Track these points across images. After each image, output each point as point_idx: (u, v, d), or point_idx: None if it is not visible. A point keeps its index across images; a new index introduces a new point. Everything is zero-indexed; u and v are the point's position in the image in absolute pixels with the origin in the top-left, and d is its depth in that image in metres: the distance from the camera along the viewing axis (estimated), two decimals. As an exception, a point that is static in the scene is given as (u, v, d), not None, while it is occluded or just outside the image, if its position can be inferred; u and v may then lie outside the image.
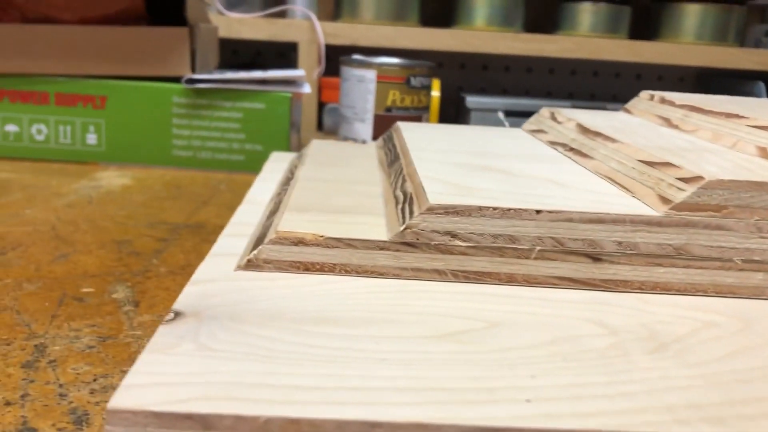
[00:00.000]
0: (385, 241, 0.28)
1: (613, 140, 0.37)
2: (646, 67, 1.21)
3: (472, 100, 1.00)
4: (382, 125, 0.75)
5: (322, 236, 0.28)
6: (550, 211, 0.27)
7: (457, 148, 0.41)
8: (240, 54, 1.19)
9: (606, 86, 1.23)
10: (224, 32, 0.97)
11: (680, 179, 0.28)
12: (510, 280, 0.28)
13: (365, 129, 0.75)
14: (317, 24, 0.96)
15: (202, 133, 0.64)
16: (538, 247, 0.28)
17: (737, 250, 0.28)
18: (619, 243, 0.27)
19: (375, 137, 0.75)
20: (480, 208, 0.27)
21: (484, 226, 0.27)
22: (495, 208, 0.27)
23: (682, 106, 0.45)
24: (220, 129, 0.64)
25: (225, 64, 1.16)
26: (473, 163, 0.36)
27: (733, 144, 0.36)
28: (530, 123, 0.52)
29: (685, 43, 1.05)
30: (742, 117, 0.37)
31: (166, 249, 0.40)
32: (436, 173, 0.33)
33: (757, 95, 1.04)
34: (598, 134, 0.39)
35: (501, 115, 0.97)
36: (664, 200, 0.28)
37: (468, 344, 0.22)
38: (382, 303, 0.25)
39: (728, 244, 0.28)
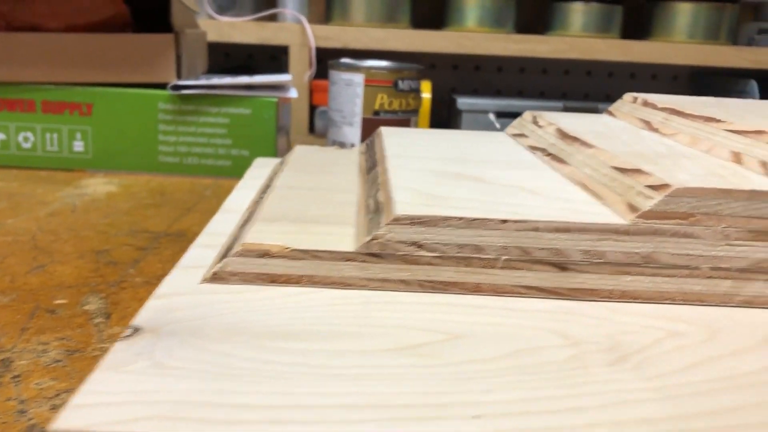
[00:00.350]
0: (351, 252, 0.27)
1: (589, 146, 0.37)
2: (640, 66, 1.21)
3: (463, 102, 1.00)
4: (371, 128, 0.75)
5: (287, 248, 0.27)
6: (515, 221, 0.27)
7: (436, 155, 0.41)
8: (232, 57, 1.19)
9: (599, 86, 1.22)
10: (215, 36, 0.97)
11: (649, 187, 0.28)
12: (477, 289, 0.28)
13: (353, 132, 0.75)
14: (308, 27, 0.96)
15: (188, 139, 0.64)
16: (504, 257, 0.27)
17: (705, 257, 0.28)
18: (586, 252, 0.27)
19: (364, 140, 0.75)
20: (445, 218, 0.27)
21: (449, 236, 0.27)
22: (460, 218, 0.27)
23: (663, 109, 0.45)
24: (207, 135, 0.64)
25: (217, 68, 1.16)
26: (449, 171, 0.36)
27: (708, 149, 0.36)
28: (513, 126, 0.52)
29: (678, 42, 1.04)
30: (720, 121, 0.37)
31: (144, 258, 0.40)
32: (409, 181, 0.33)
33: (750, 93, 1.04)
34: (575, 140, 0.39)
35: (492, 116, 0.97)
36: (633, 208, 0.28)
37: (426, 357, 0.22)
38: (345, 315, 0.25)
39: (696, 252, 0.27)
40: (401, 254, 0.27)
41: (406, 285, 0.28)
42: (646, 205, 0.27)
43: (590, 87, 1.23)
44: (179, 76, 0.64)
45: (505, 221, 0.27)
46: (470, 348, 0.23)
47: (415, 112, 0.78)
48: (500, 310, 0.27)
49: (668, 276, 0.28)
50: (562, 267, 0.28)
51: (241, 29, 0.97)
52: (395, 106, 0.75)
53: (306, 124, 0.99)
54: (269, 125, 0.64)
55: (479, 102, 1.00)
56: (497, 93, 1.21)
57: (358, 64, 0.75)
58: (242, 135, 0.64)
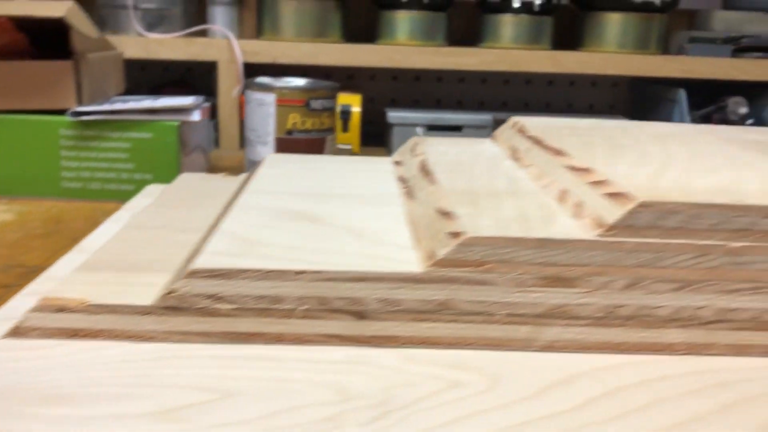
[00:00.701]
0: (149, 306, 0.28)
1: (433, 181, 0.38)
2: (578, 74, 1.22)
3: (393, 116, 1.01)
4: (284, 148, 0.75)
5: (85, 303, 0.28)
6: (311, 272, 0.27)
7: (298, 188, 0.41)
8: (171, 71, 1.18)
9: (539, 94, 1.23)
10: (143, 53, 0.97)
11: (450, 234, 0.29)
12: (279, 339, 0.28)
13: (267, 152, 0.75)
14: (235, 43, 0.96)
15: (91, 165, 0.64)
16: (303, 307, 0.28)
17: (501, 304, 0.28)
18: (383, 300, 0.28)
19: (278, 160, 0.75)
20: (242, 270, 0.27)
21: (247, 288, 0.27)
22: (257, 270, 0.27)
23: (529, 137, 0.45)
24: (109, 159, 0.64)
25: (151, 84, 1.16)
26: (294, 209, 0.36)
27: (546, 184, 0.36)
28: (398, 152, 0.53)
29: (608, 52, 1.05)
30: (563, 155, 0.38)
31: (1, 298, 0.40)
32: (238, 224, 0.33)
33: (679, 102, 1.05)
34: (428, 173, 0.40)
35: (419, 130, 0.97)
36: (431, 256, 0.28)
37: (182, 422, 0.22)
38: (128, 374, 0.25)
39: (491, 299, 0.28)
40: (199, 307, 0.28)
41: (207, 337, 0.28)
42: (440, 253, 0.28)
43: (529, 96, 1.23)
44: (80, 102, 0.64)
45: (301, 272, 0.27)
46: (233, 409, 0.23)
47: (331, 130, 0.78)
48: (294, 362, 0.27)
49: (466, 322, 0.28)
50: (360, 315, 0.28)
51: (169, 46, 0.97)
52: (308, 125, 0.75)
53: (236, 140, 0.99)
54: (171, 149, 0.64)
55: (409, 115, 1.00)
56: (437, 104, 1.22)
57: (270, 84, 0.75)
58: (144, 159, 0.64)
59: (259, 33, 1.04)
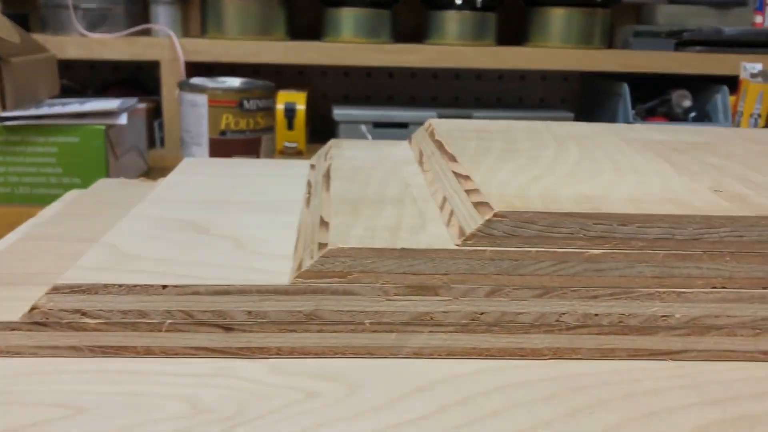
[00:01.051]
0: (16, 322, 0.28)
1: (327, 188, 0.38)
2: (524, 69, 1.23)
3: (339, 113, 1.01)
4: (218, 149, 0.75)
5: (-50, 320, 0.28)
6: (175, 286, 0.28)
7: (198, 196, 0.41)
8: (121, 70, 1.18)
9: (490, 89, 1.24)
10: (85, 54, 0.96)
11: (319, 244, 0.29)
12: (148, 352, 0.28)
13: (201, 153, 0.75)
14: (176, 41, 0.96)
15: (18, 169, 0.64)
16: (169, 321, 0.28)
17: (366, 313, 0.28)
18: (249, 312, 0.28)
19: (213, 161, 0.75)
20: (105, 285, 0.28)
21: (112, 304, 0.28)
22: (121, 285, 0.28)
23: (435, 141, 0.46)
24: (37, 164, 0.64)
25: (102, 82, 1.15)
26: (184, 219, 0.36)
27: (435, 191, 0.37)
28: (315, 156, 0.53)
29: (552, 47, 1.06)
30: (455, 161, 0.38)
31: None
32: (122, 236, 0.33)
33: (623, 96, 1.06)
34: (327, 179, 0.40)
35: (364, 128, 0.97)
36: (299, 267, 0.29)
37: (25, 440, 0.23)
38: (-15, 391, 0.25)
39: (357, 308, 0.28)
40: (66, 322, 0.28)
41: (76, 351, 0.28)
42: (305, 264, 0.28)
43: (480, 91, 1.24)
44: (4, 107, 0.63)
45: (165, 287, 0.28)
46: (80, 426, 0.24)
47: (267, 130, 0.78)
48: (156, 375, 0.27)
49: (334, 331, 0.29)
50: (227, 328, 0.28)
51: (111, 46, 0.96)
52: (242, 125, 0.75)
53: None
54: (98, 153, 0.64)
55: (355, 113, 1.01)
56: (389, 100, 1.22)
57: (203, 85, 0.75)
58: (72, 164, 0.64)
59: (203, 32, 1.04)
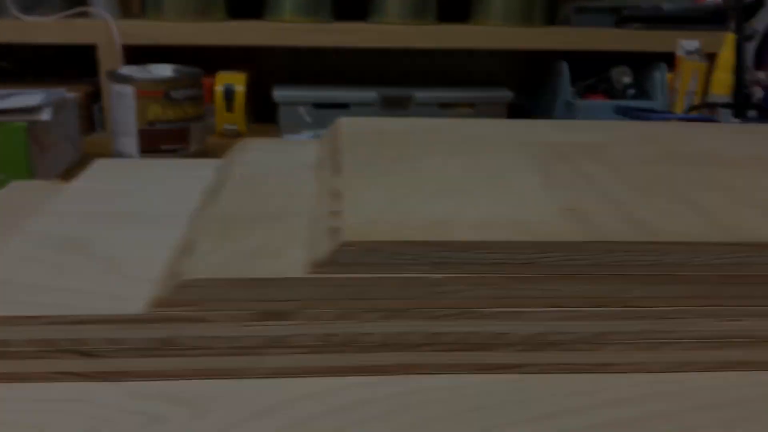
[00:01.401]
0: None
1: (213, 202, 0.39)
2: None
3: (279, 94, 1.01)
4: (147, 139, 0.75)
5: None
6: (35, 317, 0.29)
7: (93, 206, 0.42)
8: (66, 51, 1.16)
9: (437, 65, 1.24)
10: (18, 37, 0.95)
11: (174, 273, 0.30)
12: (11, 378, 0.30)
13: (131, 143, 0.76)
14: (112, 24, 0.95)
15: (-60, 166, 0.64)
16: (32, 348, 0.29)
17: (221, 338, 0.30)
18: (108, 340, 0.30)
19: (142, 151, 0.76)
20: (-34, 318, 0.29)
21: (-27, 334, 0.29)
22: (-19, 317, 0.29)
23: (333, 146, 0.46)
24: (-42, 161, 0.64)
25: (47, 63, 1.14)
26: (69, 236, 0.37)
27: (312, 207, 0.38)
28: (224, 158, 0.54)
29: (492, 26, 1.07)
30: (337, 173, 0.40)
31: None
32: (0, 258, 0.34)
33: (563, 74, 1.08)
34: (215, 193, 0.41)
35: (302, 110, 0.98)
36: (156, 295, 0.30)
37: None
38: None
39: (212, 334, 0.30)
40: (-71, 352, 0.29)
41: (-61, 379, 0.29)
42: (161, 293, 0.30)
43: (429, 67, 1.24)
44: None
45: (27, 317, 0.29)
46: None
47: (197, 118, 0.78)
48: (10, 402, 0.29)
49: (191, 356, 0.30)
50: (87, 354, 0.30)
51: (45, 29, 0.96)
52: (171, 115, 0.75)
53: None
54: (20, 150, 0.64)
55: (295, 94, 1.01)
56: (335, 78, 1.22)
57: (129, 76, 0.75)
58: (-6, 160, 0.64)
59: (143, 14, 1.03)
